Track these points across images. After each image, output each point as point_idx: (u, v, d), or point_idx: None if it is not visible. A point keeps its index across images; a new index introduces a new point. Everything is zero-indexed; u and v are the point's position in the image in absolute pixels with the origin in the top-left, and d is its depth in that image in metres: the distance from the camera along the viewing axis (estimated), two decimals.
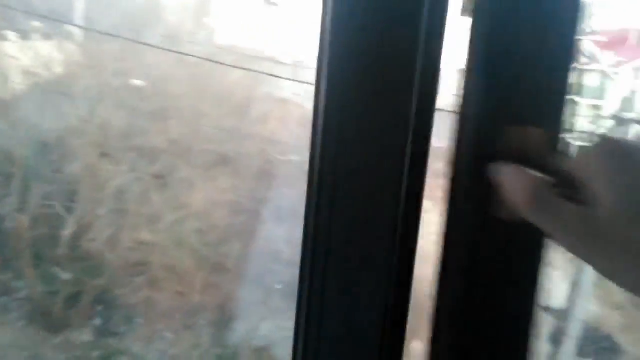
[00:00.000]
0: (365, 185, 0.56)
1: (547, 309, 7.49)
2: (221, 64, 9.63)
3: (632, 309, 7.54)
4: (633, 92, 5.28)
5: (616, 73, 6.73)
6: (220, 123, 9.01)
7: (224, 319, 5.05)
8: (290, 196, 6.77)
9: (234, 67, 9.96)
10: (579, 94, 17.99)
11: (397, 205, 0.55)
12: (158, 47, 8.60)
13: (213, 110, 9.32)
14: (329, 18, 0.54)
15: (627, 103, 5.16)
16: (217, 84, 9.96)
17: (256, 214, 6.79)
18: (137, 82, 9.03)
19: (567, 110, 0.64)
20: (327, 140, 0.56)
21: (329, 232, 0.56)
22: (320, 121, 0.56)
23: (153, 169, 7.49)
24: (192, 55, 9.26)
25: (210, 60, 9.40)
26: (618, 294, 7.62)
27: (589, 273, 4.77)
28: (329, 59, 0.56)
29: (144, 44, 8.48)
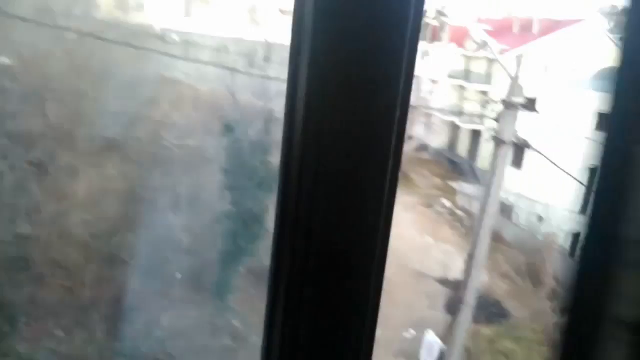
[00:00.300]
0: (348, 182, 0.50)
1: (443, 282, 8.14)
2: (103, 39, 9.23)
3: (516, 277, 8.45)
4: (517, 78, 5.87)
5: (501, 60, 7.38)
6: (104, 105, 8.68)
7: (120, 313, 4.98)
8: (187, 182, 6.73)
9: (118, 43, 9.60)
10: (467, 79, 19.32)
11: (379, 204, 0.50)
12: (29, 20, 8.10)
13: (96, 90, 8.95)
14: (308, 16, 0.45)
15: (514, 88, 5.72)
16: (99, 61, 9.55)
17: (150, 202, 6.69)
18: (4, 60, 8.49)
19: None
20: (307, 141, 0.49)
21: (310, 227, 0.48)
22: (298, 121, 0.45)
23: (29, 156, 7.11)
24: (70, 30, 8.83)
25: (91, 36, 8.98)
26: (504, 263, 8.48)
27: (483, 246, 5.27)
28: (308, 60, 0.45)
29: (12, 16, 7.97)
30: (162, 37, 12.84)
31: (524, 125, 5.76)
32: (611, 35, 19.72)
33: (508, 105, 5.42)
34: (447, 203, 14.39)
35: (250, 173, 6.47)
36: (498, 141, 5.31)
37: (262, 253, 6.11)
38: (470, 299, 4.96)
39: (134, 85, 9.70)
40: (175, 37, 13.32)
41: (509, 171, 5.70)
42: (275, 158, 6.66)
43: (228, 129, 6.82)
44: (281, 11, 9.64)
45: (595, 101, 12.83)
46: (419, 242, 10.85)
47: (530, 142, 5.60)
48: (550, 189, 10.82)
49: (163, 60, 10.64)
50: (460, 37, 19.32)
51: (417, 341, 6.38)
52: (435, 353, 5.39)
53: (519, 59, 11.16)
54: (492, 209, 5.34)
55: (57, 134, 7.84)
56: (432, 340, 5.49)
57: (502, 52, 11.37)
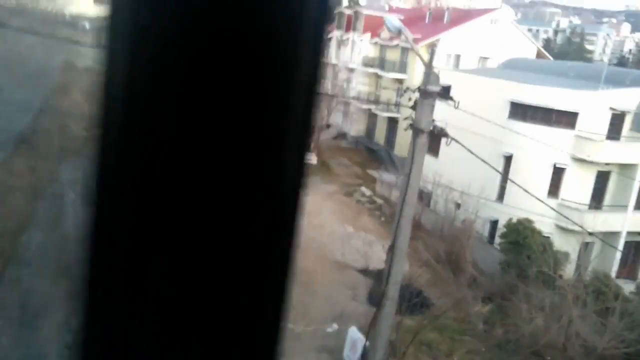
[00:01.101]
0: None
1: (365, 272, 8.22)
2: (6, 27, 8.79)
3: (436, 265, 8.72)
4: (432, 67, 6.01)
5: (416, 48, 7.56)
6: (9, 96, 8.24)
7: (27, 317, 4.76)
8: None
9: (23, 30, 9.15)
10: (382, 68, 19.73)
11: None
12: None
13: (0, 80, 8.49)
14: None
15: (429, 76, 5.84)
16: (4, 50, 9.05)
17: (61, 198, 6.42)
18: None
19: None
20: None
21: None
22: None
23: None
24: None
25: None
26: (424, 251, 8.72)
27: (404, 237, 5.35)
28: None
29: None
30: (72, 25, 12.29)
31: (439, 113, 5.94)
32: (519, 26, 20.80)
33: (425, 93, 5.56)
34: (367, 192, 14.61)
35: None
36: (416, 130, 5.44)
37: None
38: (393, 293, 5.04)
39: (42, 74, 9.25)
40: (87, 25, 12.77)
41: (426, 159, 5.84)
42: None
43: None
44: None
45: (507, 90, 13.47)
46: (339, 232, 10.97)
47: (446, 130, 5.77)
48: (467, 176, 11.26)
49: (74, 49, 10.20)
50: (375, 27, 19.67)
51: (341, 335, 6.40)
52: (359, 350, 5.40)
53: (432, 48, 11.50)
54: (412, 198, 5.45)
55: None
56: (355, 337, 5.52)
57: (415, 41, 11.68)
